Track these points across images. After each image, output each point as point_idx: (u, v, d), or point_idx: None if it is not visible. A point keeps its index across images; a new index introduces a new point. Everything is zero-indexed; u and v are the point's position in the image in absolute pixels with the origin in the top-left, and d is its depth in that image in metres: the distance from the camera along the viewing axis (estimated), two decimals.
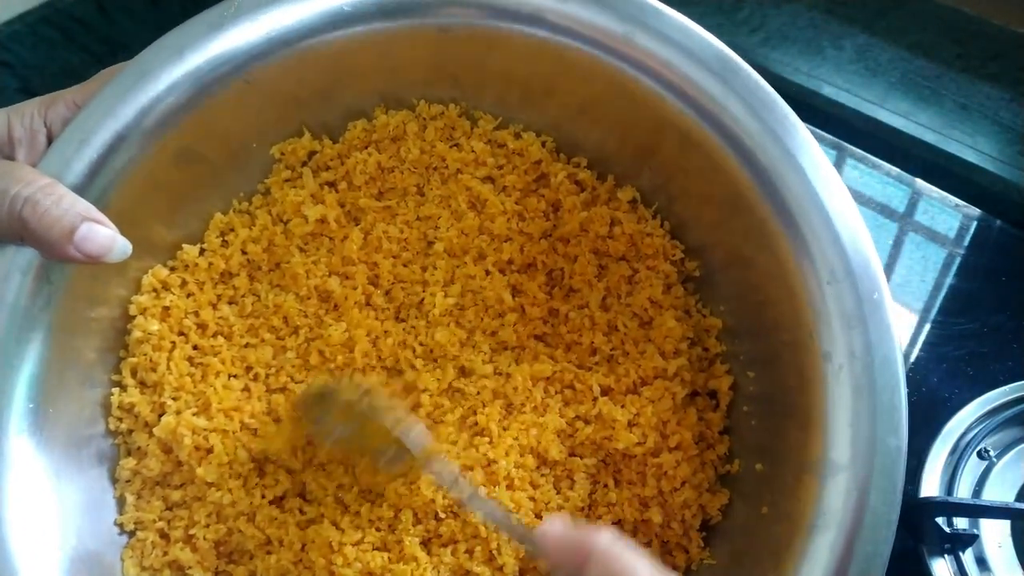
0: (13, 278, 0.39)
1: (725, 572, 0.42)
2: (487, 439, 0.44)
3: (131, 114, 0.42)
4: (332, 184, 0.50)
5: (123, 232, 0.38)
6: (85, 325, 0.44)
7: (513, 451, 0.44)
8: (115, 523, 0.44)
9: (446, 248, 0.48)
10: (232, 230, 0.49)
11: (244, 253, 0.49)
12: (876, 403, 0.36)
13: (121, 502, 0.45)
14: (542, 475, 0.44)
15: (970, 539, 0.50)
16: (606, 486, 0.45)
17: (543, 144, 0.50)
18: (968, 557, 0.50)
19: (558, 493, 0.44)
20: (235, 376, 0.47)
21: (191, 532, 0.44)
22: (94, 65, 0.73)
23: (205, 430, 0.44)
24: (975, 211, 0.69)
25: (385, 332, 0.47)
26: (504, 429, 0.45)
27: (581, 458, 0.44)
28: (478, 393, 0.46)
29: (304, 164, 0.50)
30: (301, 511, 0.44)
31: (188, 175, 0.46)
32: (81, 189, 0.39)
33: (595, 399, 0.45)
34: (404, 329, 0.47)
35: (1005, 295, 0.64)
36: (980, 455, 0.54)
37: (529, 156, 0.50)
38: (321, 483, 0.44)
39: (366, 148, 0.50)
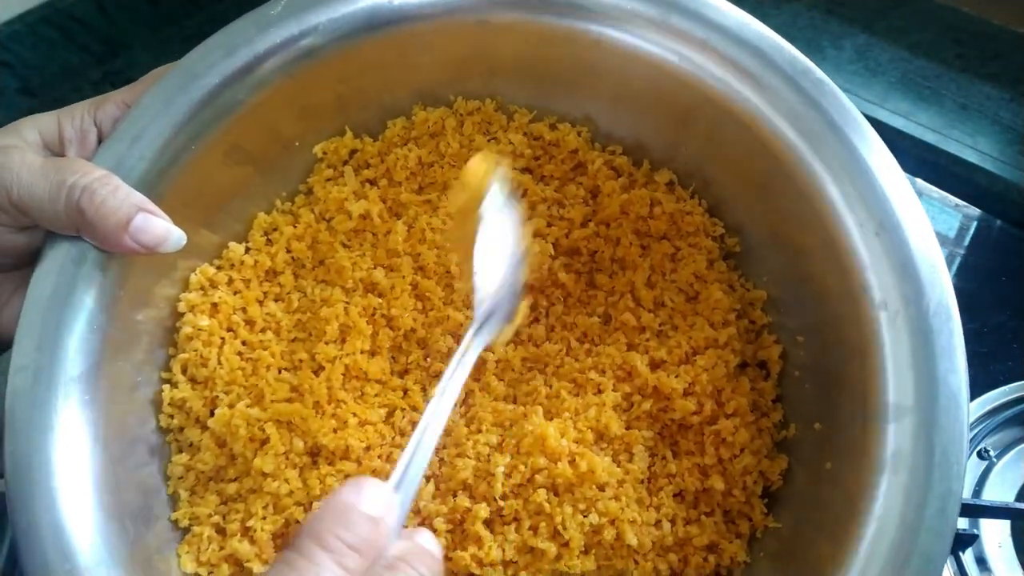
0: (67, 270, 0.39)
1: (791, 536, 0.42)
2: (546, 417, 0.44)
3: (183, 111, 0.43)
4: (373, 181, 0.51)
5: None
6: (134, 324, 0.44)
7: (569, 428, 0.44)
8: (169, 519, 0.43)
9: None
10: (276, 229, 0.50)
11: (288, 251, 0.49)
12: (935, 345, 0.37)
13: (174, 499, 0.44)
14: (601, 449, 0.44)
15: (970, 539, 0.50)
16: (664, 458, 0.45)
17: (578, 134, 0.52)
18: (968, 557, 0.50)
19: (618, 467, 0.44)
20: (285, 370, 0.47)
21: (248, 524, 0.43)
22: (94, 65, 0.74)
23: (260, 420, 0.44)
24: (975, 211, 0.70)
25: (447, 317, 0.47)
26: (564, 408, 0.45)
27: (639, 431, 0.45)
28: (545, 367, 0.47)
29: (345, 163, 0.51)
30: None
31: (234, 173, 0.47)
32: (134, 185, 0.40)
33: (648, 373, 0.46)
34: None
35: (1005, 295, 0.64)
36: (980, 455, 0.54)
37: (566, 146, 0.51)
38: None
39: (406, 144, 0.51)
